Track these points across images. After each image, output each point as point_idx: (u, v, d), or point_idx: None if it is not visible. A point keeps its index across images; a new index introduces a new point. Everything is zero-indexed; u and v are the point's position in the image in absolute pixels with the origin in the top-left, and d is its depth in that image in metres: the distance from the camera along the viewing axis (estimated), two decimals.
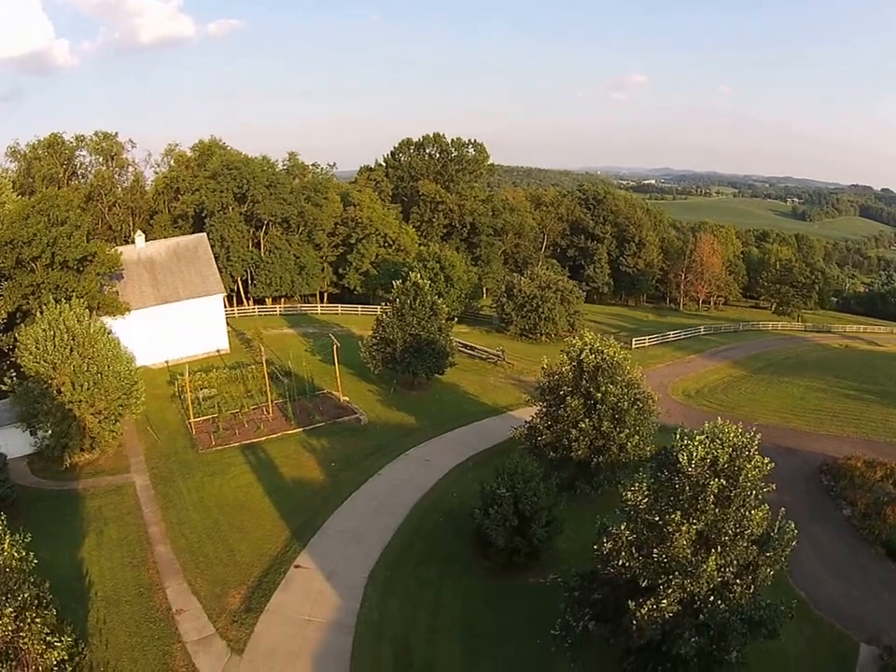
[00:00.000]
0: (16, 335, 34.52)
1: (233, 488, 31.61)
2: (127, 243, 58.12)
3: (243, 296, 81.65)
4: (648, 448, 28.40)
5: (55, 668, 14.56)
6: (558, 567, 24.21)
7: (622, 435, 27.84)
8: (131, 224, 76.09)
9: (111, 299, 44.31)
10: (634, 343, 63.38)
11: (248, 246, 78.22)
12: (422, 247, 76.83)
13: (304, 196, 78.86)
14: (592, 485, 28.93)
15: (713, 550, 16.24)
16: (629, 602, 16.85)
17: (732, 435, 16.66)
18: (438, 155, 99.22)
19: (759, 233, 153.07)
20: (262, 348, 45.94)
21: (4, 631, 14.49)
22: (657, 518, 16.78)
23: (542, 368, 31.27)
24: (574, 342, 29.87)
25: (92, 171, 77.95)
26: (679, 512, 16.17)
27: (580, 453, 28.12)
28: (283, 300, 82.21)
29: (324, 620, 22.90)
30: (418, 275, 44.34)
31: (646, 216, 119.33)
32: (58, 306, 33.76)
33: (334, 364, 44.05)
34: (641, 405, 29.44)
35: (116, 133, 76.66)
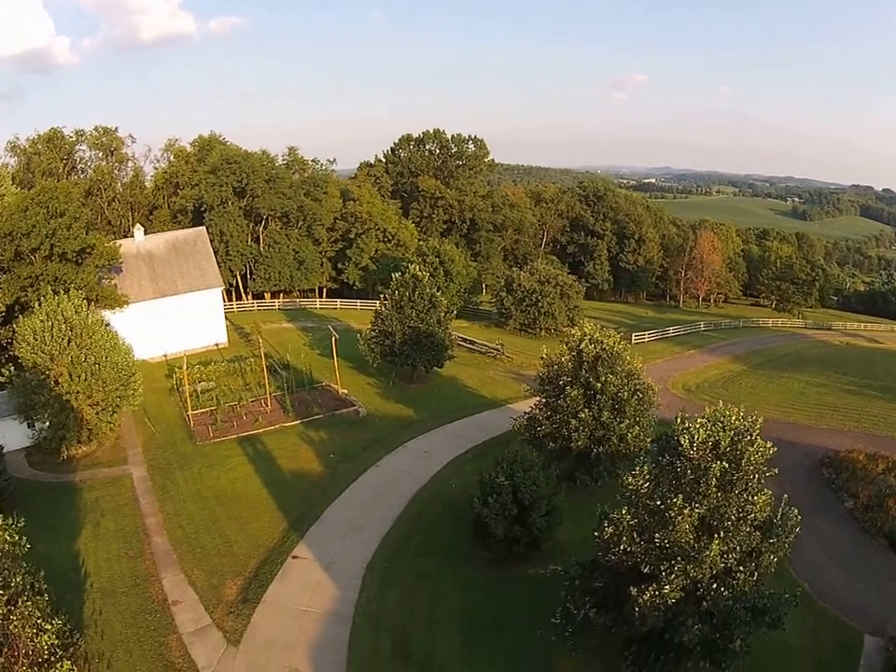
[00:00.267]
0: (14, 328, 34.32)
1: (231, 480, 31.42)
2: (126, 238, 57.87)
3: (241, 291, 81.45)
4: (648, 439, 28.15)
5: (46, 652, 14.39)
6: (558, 558, 24.01)
7: (622, 425, 27.64)
8: (130, 219, 75.89)
9: (109, 291, 44.09)
10: (633, 338, 63.18)
11: (247, 241, 77.94)
12: (421, 242, 76.56)
13: (304, 191, 78.60)
14: (592, 476, 28.74)
15: (716, 535, 16.01)
16: (631, 588, 16.63)
17: (734, 418, 16.44)
18: (438, 151, 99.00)
19: (759, 232, 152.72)
20: (261, 341, 45.72)
21: None
22: (659, 502, 16.55)
23: (542, 358, 31.08)
24: (574, 332, 29.70)
25: (92, 166, 77.84)
26: (681, 496, 15.94)
27: (579, 443, 27.91)
28: (282, 295, 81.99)
29: (321, 610, 22.70)
30: (417, 267, 44.10)
31: (646, 212, 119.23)
32: (56, 297, 33.58)
33: (333, 358, 43.86)
34: (641, 396, 29.27)
35: (116, 128, 76.68)
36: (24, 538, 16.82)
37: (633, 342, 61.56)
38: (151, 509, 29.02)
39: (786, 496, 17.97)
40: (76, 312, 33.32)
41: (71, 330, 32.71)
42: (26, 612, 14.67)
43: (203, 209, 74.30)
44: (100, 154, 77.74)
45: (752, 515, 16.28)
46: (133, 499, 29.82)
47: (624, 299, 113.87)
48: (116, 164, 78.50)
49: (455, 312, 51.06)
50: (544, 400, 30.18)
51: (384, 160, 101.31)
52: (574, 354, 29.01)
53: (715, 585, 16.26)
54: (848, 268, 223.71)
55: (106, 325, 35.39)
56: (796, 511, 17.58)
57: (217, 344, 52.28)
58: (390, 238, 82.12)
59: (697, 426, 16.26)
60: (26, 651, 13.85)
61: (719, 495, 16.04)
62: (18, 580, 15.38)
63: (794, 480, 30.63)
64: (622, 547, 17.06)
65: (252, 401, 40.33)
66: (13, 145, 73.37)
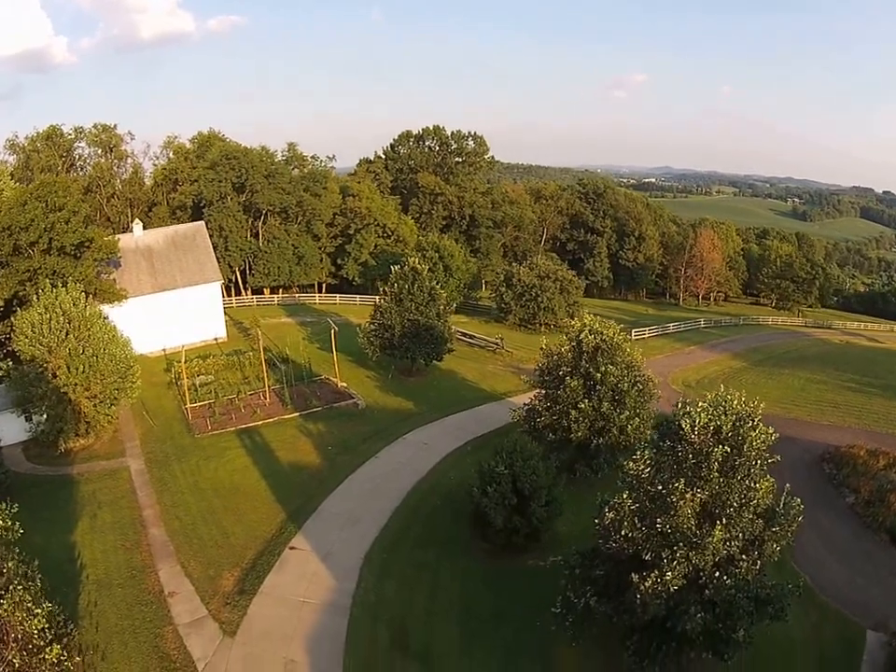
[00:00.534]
0: (13, 322, 34.13)
1: (229, 471, 31.26)
2: (125, 233, 57.62)
3: (241, 286, 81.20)
4: (648, 431, 28.02)
5: (36, 637, 14.22)
6: (558, 549, 23.79)
7: (622, 417, 27.48)
8: (129, 216, 75.54)
9: (108, 285, 43.90)
10: (633, 334, 62.95)
11: (247, 236, 77.68)
12: (420, 237, 76.34)
13: (303, 186, 78.32)
14: (591, 468, 28.58)
15: (718, 522, 15.80)
16: (633, 575, 16.42)
17: (735, 403, 16.24)
18: (437, 147, 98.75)
19: (759, 231, 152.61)
20: (259, 335, 45.53)
21: None
22: (660, 487, 16.33)
23: (541, 349, 30.91)
24: (573, 323, 29.54)
25: (91, 163, 77.53)
26: (682, 480, 15.73)
27: (579, 434, 27.75)
28: (281, 290, 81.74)
29: (319, 601, 22.53)
30: (416, 260, 43.89)
31: (646, 210, 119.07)
32: (54, 290, 33.40)
33: (332, 352, 43.68)
34: (641, 387, 29.09)
35: (115, 125, 76.34)
36: (17, 523, 16.63)
37: (633, 338, 61.38)
38: (148, 501, 28.86)
39: (787, 485, 17.76)
40: (73, 304, 33.17)
41: (69, 323, 32.59)
42: (17, 598, 14.49)
43: (202, 205, 74.04)
44: (99, 151, 77.40)
45: (755, 502, 16.07)
46: (131, 492, 29.65)
47: (624, 296, 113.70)
48: (115, 161, 78.16)
49: (454, 306, 50.84)
50: (544, 391, 30.00)
51: (383, 156, 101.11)
52: (574, 344, 28.88)
53: (717, 573, 16.04)
54: (848, 269, 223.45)
55: (105, 318, 35.19)
56: (799, 500, 17.40)
57: (215, 339, 52.08)
58: (389, 234, 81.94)
59: (699, 410, 16.05)
60: (15, 636, 13.66)
61: (721, 480, 15.83)
62: (10, 565, 15.22)
63: (795, 475, 30.35)
64: (623, 533, 16.85)
65: (251, 394, 40.18)
66: (12, 143, 73.12)
